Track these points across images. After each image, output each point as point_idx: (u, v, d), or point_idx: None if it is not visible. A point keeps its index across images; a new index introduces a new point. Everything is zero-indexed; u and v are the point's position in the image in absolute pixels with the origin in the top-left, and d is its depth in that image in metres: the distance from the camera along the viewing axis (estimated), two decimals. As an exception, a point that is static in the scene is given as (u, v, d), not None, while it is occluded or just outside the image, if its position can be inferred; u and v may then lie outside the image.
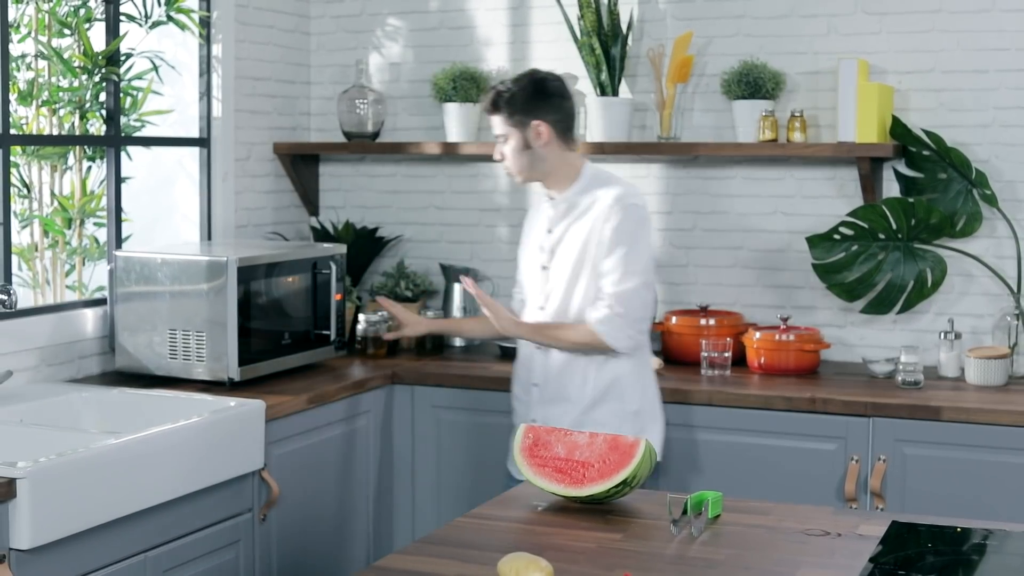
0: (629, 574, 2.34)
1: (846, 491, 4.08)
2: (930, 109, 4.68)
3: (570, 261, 3.91)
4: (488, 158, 5.15)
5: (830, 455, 4.16)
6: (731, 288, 4.96)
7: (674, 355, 4.75)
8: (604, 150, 4.84)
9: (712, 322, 4.73)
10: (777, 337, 4.57)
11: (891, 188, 4.72)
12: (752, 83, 4.72)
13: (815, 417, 4.18)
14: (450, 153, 5.07)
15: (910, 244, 4.57)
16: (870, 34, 4.73)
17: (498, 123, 3.98)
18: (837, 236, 4.66)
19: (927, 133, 4.61)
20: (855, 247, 4.65)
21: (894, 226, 4.59)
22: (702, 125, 4.95)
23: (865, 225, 4.61)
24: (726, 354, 4.56)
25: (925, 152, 4.63)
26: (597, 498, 2.83)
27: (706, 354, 4.56)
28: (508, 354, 4.85)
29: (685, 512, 2.70)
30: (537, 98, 3.95)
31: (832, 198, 4.80)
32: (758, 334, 4.60)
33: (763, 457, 4.23)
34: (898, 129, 4.63)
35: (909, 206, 4.55)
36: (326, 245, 4.76)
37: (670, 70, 4.85)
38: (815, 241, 4.68)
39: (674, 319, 4.79)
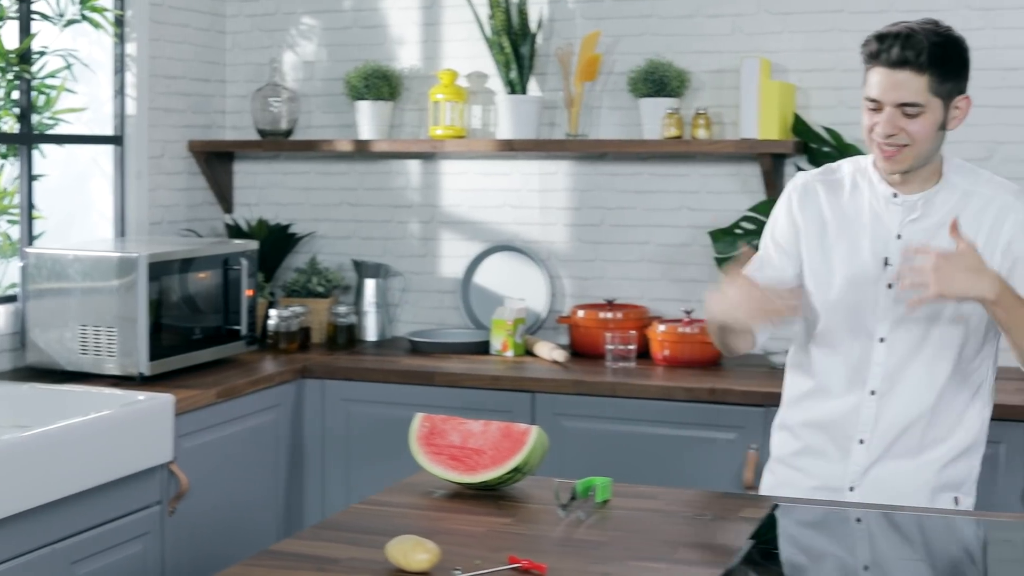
0: (514, 557, 2.41)
1: (744, 479, 4.18)
2: (830, 106, 4.79)
3: None
4: (401, 155, 5.23)
5: (729, 444, 4.26)
6: (637, 282, 5.06)
7: (580, 348, 4.85)
8: (513, 147, 4.92)
9: (618, 315, 4.83)
10: (680, 330, 4.67)
11: (792, 184, 4.83)
12: (658, 81, 4.81)
13: (714, 407, 4.27)
14: (362, 151, 5.14)
15: (810, 239, 4.68)
16: (772, 33, 4.84)
17: (916, 86, 2.88)
18: (739, 231, 4.77)
19: (827, 130, 4.73)
20: (756, 242, 4.74)
21: (795, 221, 4.69)
22: (609, 122, 5.04)
23: (765, 220, 4.70)
24: (631, 346, 4.65)
25: (825, 148, 4.74)
26: (490, 484, 2.91)
27: (611, 346, 4.65)
28: (419, 348, 4.93)
29: (573, 497, 2.79)
30: (966, 63, 2.99)
31: (735, 193, 4.91)
32: (662, 327, 4.70)
33: (665, 447, 4.33)
34: (799, 126, 4.75)
35: (809, 201, 4.66)
36: (238, 241, 4.82)
37: (578, 68, 4.94)
38: (718, 236, 4.78)
39: (580, 312, 4.88)
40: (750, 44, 4.86)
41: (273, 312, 4.98)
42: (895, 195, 3.01)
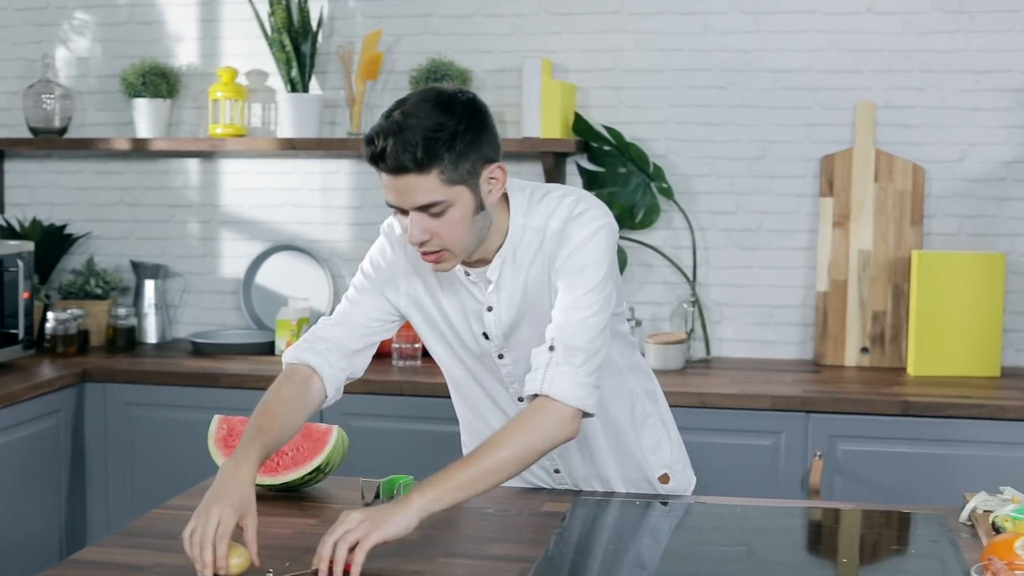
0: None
1: (812, 483, 4.18)
2: (610, 106, 4.88)
3: (541, 327, 2.70)
4: (179, 153, 5.15)
5: (518, 440, 4.30)
6: (422, 281, 5.06)
7: (367, 347, 4.83)
8: (295, 146, 4.89)
9: (404, 314, 4.83)
10: (467, 328, 4.69)
11: (574, 182, 4.90)
12: (439, 80, 4.83)
13: (504, 404, 4.31)
14: (140, 149, 5.03)
15: (592, 236, 4.75)
16: (553, 34, 4.90)
17: (427, 185, 2.48)
18: (523, 229, 4.82)
19: (608, 129, 4.81)
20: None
21: (577, 219, 4.76)
22: (392, 121, 5.03)
23: (549, 218, 4.78)
24: (416, 345, 4.66)
25: (606, 147, 4.82)
26: (292, 485, 2.89)
27: (397, 345, 4.65)
28: (201, 350, 4.86)
29: (378, 496, 2.79)
30: (483, 128, 2.56)
31: (518, 192, 4.95)
32: (448, 325, 4.71)
33: (453, 444, 4.33)
34: (580, 125, 4.82)
35: (591, 200, 4.73)
36: (12, 243, 4.67)
37: (360, 67, 4.93)
38: (502, 234, 4.82)
39: (367, 312, 4.86)
40: (531, 44, 4.91)
41: (50, 315, 4.84)
42: (467, 273, 2.74)
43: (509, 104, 4.93)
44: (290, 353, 2.80)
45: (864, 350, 4.68)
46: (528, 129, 4.73)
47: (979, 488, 2.90)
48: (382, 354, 4.66)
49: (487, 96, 4.83)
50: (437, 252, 2.57)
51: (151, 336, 5.10)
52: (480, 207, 2.56)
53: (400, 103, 2.51)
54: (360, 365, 2.87)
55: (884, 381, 4.41)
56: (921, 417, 4.10)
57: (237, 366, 4.63)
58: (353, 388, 4.32)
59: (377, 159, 2.47)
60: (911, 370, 4.53)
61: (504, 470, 2.53)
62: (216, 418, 3.01)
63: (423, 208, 2.49)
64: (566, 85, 4.77)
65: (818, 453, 4.08)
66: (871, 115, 4.68)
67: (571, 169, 4.91)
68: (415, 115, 2.47)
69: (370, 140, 2.48)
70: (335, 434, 2.91)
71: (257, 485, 2.86)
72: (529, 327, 2.73)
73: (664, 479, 3.05)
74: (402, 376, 4.47)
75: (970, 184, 4.69)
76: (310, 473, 2.88)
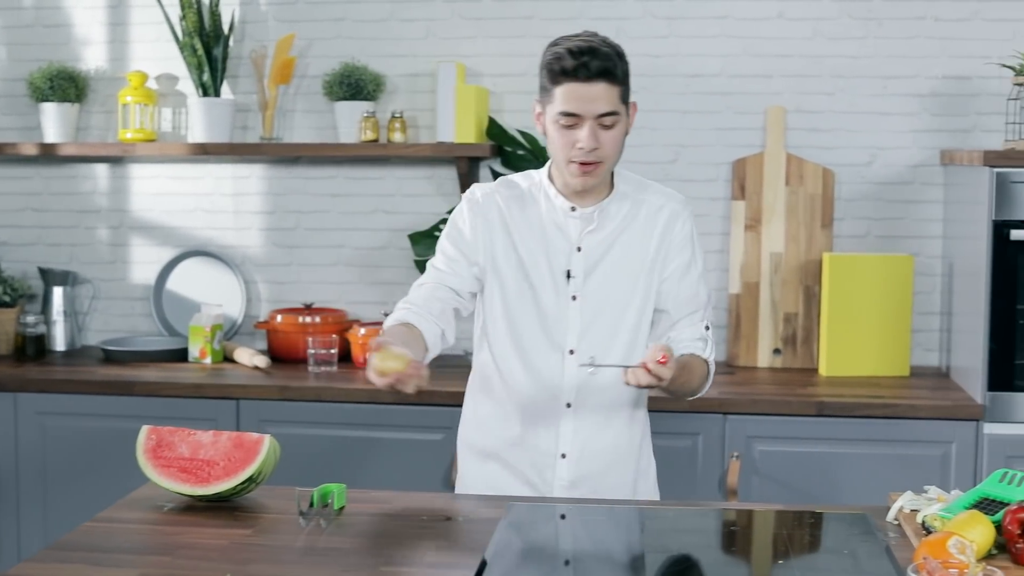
0: None
1: (451, 479, 4.22)
2: (524, 110, 4.89)
3: (621, 287, 3.10)
4: (88, 158, 5.09)
5: (437, 445, 4.31)
6: (334, 286, 5.06)
7: (279, 353, 4.81)
8: (207, 151, 4.85)
9: (317, 320, 4.82)
10: (382, 333, 4.69)
11: (488, 187, 4.91)
12: (353, 85, 4.82)
13: (421, 409, 4.31)
14: (48, 154, 4.97)
15: (507, 240, 4.77)
16: (466, 38, 4.91)
17: (611, 96, 2.94)
18: (438, 233, 4.80)
19: (522, 133, 4.83)
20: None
21: (492, 223, 4.78)
22: (304, 126, 5.02)
23: (464, 223, 4.79)
24: (332, 350, 4.65)
25: (520, 152, 4.84)
26: (224, 495, 2.87)
27: (312, 351, 4.64)
28: (113, 357, 4.80)
29: (312, 504, 2.78)
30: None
31: (432, 196, 4.96)
32: (362, 330, 4.71)
33: (374, 449, 4.34)
34: (494, 130, 4.83)
35: (505, 204, 4.75)
36: (-81, 250, 4.60)
37: (272, 71, 4.91)
38: (417, 238, 4.83)
39: (279, 317, 4.84)
40: (445, 49, 4.92)
41: (-43, 324, 4.77)
42: (573, 208, 3.07)
43: (423, 109, 4.93)
44: (389, 320, 3.08)
45: (776, 351, 4.73)
46: (442, 134, 4.74)
47: (898, 487, 2.97)
48: (298, 360, 4.69)
49: (401, 101, 4.87)
50: (595, 164, 2.95)
51: (60, 344, 5.04)
52: (626, 132, 3.01)
53: (571, 37, 2.97)
54: (450, 333, 3.14)
55: (798, 382, 4.48)
56: (836, 417, 4.17)
57: (151, 374, 4.58)
58: (270, 395, 4.37)
59: (577, 69, 2.88)
60: (823, 371, 4.60)
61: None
62: (144, 428, 2.98)
63: (602, 116, 2.91)
64: (480, 89, 4.78)
65: (735, 454, 4.13)
66: (782, 119, 4.75)
67: (485, 173, 4.92)
68: (601, 41, 2.97)
69: (569, 53, 2.90)
70: (267, 443, 2.90)
71: (186, 496, 2.86)
72: (605, 276, 3.05)
73: None
74: (318, 382, 4.45)
75: (879, 187, 4.77)
76: (243, 483, 2.86)
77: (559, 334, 3.05)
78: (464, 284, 3.11)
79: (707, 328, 3.12)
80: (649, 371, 2.74)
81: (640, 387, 2.83)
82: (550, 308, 3.06)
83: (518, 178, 3.19)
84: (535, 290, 3.06)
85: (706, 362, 3.10)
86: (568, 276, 3.05)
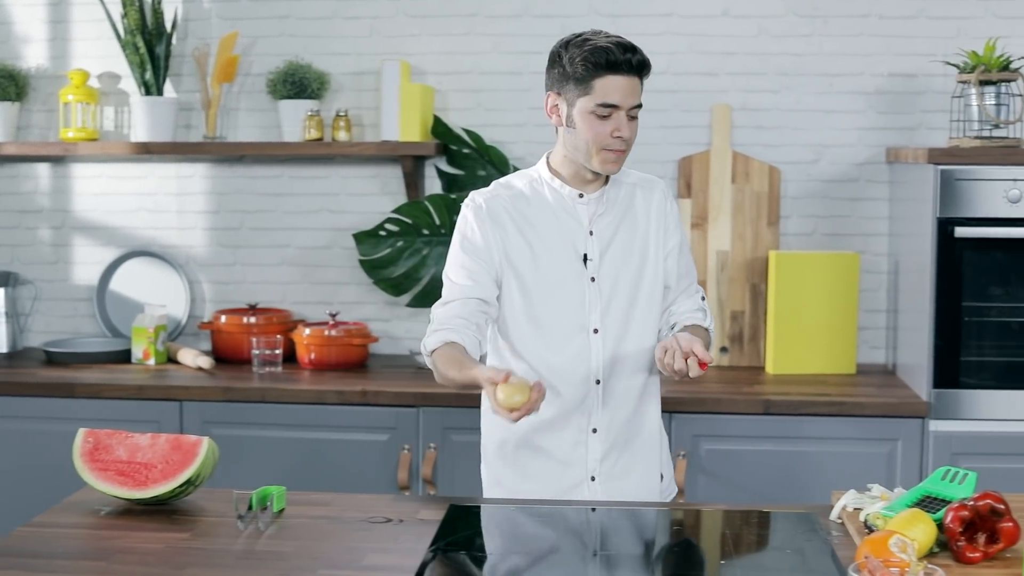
0: None
1: (399, 480, 4.20)
2: (469, 109, 4.87)
3: (631, 266, 3.20)
4: (29, 158, 5.03)
5: (383, 446, 4.28)
6: (279, 286, 5.02)
7: (224, 354, 4.77)
8: (150, 150, 4.80)
9: (262, 320, 4.78)
10: (326, 333, 4.65)
11: (433, 185, 4.89)
12: (297, 83, 4.78)
13: (367, 409, 4.29)
14: (-12, 154, 4.92)
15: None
16: (411, 36, 4.88)
17: (639, 89, 3.11)
18: (383, 232, 4.80)
19: (467, 132, 4.80)
20: (400, 243, 4.79)
21: (437, 221, 4.75)
22: (248, 124, 4.98)
23: (409, 221, 4.77)
24: (277, 351, 4.61)
25: (465, 150, 4.81)
26: (162, 499, 2.83)
27: (257, 351, 4.60)
28: (55, 359, 4.75)
29: (251, 507, 2.75)
30: None
31: (377, 195, 4.93)
32: (307, 330, 4.67)
33: (318, 451, 4.31)
34: (439, 128, 4.80)
35: (451, 202, 4.72)
36: None
37: (215, 70, 4.86)
38: (361, 238, 4.80)
39: (223, 318, 4.80)
40: (389, 47, 4.89)
41: None
42: (581, 195, 3.18)
43: (367, 107, 4.90)
44: (430, 342, 3.07)
45: (723, 350, 4.73)
46: (387, 132, 4.71)
47: (842, 486, 2.95)
48: (243, 360, 4.65)
49: (345, 99, 4.84)
50: (624, 151, 3.09)
51: (2, 346, 4.97)
52: None
53: (596, 33, 3.10)
54: (484, 343, 3.18)
55: (744, 380, 4.47)
56: (782, 415, 4.16)
57: (94, 375, 4.53)
58: (213, 396, 4.32)
59: (627, 63, 3.03)
60: (770, 369, 4.59)
61: None
62: (81, 431, 2.94)
63: (634, 108, 3.07)
64: (425, 88, 4.75)
65: (681, 452, 4.12)
66: (728, 117, 4.74)
67: (430, 172, 4.89)
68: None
69: (617, 47, 3.03)
70: (205, 445, 2.86)
71: (124, 499, 2.82)
72: (617, 256, 3.17)
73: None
74: (263, 383, 4.42)
75: (825, 185, 4.77)
76: (181, 486, 2.82)
77: (583, 316, 3.16)
78: (489, 292, 3.16)
79: (703, 299, 3.27)
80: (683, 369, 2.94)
81: (673, 372, 2.96)
82: (572, 292, 3.16)
83: (513, 179, 3.27)
84: (555, 277, 3.16)
85: (707, 331, 3.26)
86: (585, 260, 3.17)
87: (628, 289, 3.18)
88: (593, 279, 3.16)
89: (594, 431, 3.18)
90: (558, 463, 3.18)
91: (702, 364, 2.91)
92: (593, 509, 2.90)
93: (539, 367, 3.15)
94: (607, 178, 3.20)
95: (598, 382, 3.16)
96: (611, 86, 3.04)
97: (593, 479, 3.17)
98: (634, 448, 3.22)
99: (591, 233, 3.17)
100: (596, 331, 3.16)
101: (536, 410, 2.80)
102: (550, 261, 3.16)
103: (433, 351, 3.05)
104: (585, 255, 3.16)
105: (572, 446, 3.17)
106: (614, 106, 3.04)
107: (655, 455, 3.26)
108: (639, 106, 3.10)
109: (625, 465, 3.20)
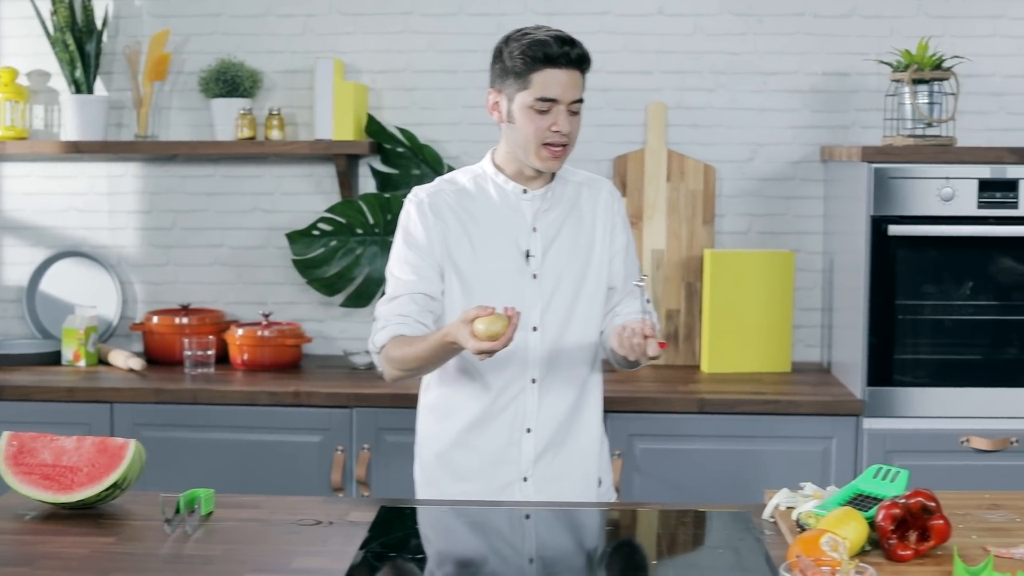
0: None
1: (332, 481, 4.17)
2: (403, 107, 4.84)
3: (575, 264, 3.19)
4: (-44, 158, 4.97)
5: (316, 447, 4.24)
6: (212, 286, 4.97)
7: (156, 355, 4.72)
8: (80, 149, 4.74)
9: (194, 320, 4.73)
10: (259, 333, 4.61)
11: (367, 184, 4.86)
12: (230, 81, 4.74)
13: (300, 411, 4.25)
14: (-86, 152, 4.84)
15: (387, 238, 4.71)
16: (345, 34, 4.85)
17: (581, 83, 3.07)
18: (316, 232, 4.76)
19: (401, 131, 4.77)
20: (334, 242, 4.76)
21: (371, 221, 4.72)
22: (180, 123, 4.93)
23: (343, 220, 4.73)
24: (209, 352, 4.56)
25: (399, 149, 4.79)
26: (87, 503, 2.79)
27: (189, 352, 4.55)
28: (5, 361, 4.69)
29: (178, 511, 2.71)
30: None
31: (310, 195, 4.89)
32: (240, 331, 4.63)
33: (251, 452, 4.27)
34: (373, 127, 4.77)
35: (385, 201, 4.70)
36: None
37: (147, 68, 4.81)
38: (295, 237, 4.76)
39: (155, 319, 4.75)
40: (323, 45, 4.85)
41: None
42: (525, 191, 3.16)
43: (301, 106, 4.86)
44: (379, 338, 3.07)
45: (659, 349, 4.72)
46: (320, 131, 4.68)
47: (778, 484, 2.95)
48: (175, 362, 4.60)
49: (278, 98, 4.80)
50: (564, 147, 3.07)
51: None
52: None
53: (536, 28, 3.06)
54: None
55: (679, 379, 4.47)
56: (717, 414, 4.16)
57: (22, 377, 4.47)
58: (145, 398, 4.28)
59: (564, 56, 3.00)
60: (705, 367, 4.59)
61: None
62: (5, 434, 2.89)
63: (574, 103, 3.04)
64: (358, 86, 4.72)
65: (617, 452, 4.11)
66: (662, 116, 4.74)
67: (364, 171, 4.86)
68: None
69: (554, 40, 3.00)
70: (132, 448, 2.82)
71: (49, 503, 2.78)
72: (560, 254, 3.15)
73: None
74: (195, 384, 4.37)
75: (760, 183, 4.78)
76: (107, 489, 2.78)
77: (523, 313, 3.09)
78: (434, 287, 3.13)
79: (648, 300, 3.18)
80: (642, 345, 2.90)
81: (631, 349, 2.93)
82: (512, 288, 3.13)
83: (457, 175, 3.25)
84: (496, 273, 3.14)
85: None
86: (527, 256, 3.15)
87: (571, 287, 3.17)
88: (535, 276, 3.14)
89: (528, 431, 3.16)
90: (490, 462, 3.16)
91: (661, 344, 2.89)
92: (527, 516, 2.87)
93: (475, 365, 3.13)
94: (552, 175, 3.18)
95: (534, 381, 3.14)
96: (549, 80, 3.02)
97: (525, 480, 3.15)
98: (570, 450, 3.20)
99: (534, 229, 3.16)
100: (535, 328, 3.13)
101: (511, 339, 2.80)
102: (491, 256, 3.14)
103: (383, 347, 3.04)
104: (528, 251, 3.15)
105: (505, 445, 3.16)
106: (553, 100, 3.02)
107: (592, 459, 3.24)
108: (580, 101, 3.07)
109: (560, 467, 3.18)
